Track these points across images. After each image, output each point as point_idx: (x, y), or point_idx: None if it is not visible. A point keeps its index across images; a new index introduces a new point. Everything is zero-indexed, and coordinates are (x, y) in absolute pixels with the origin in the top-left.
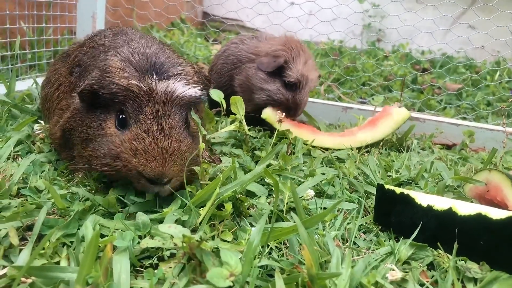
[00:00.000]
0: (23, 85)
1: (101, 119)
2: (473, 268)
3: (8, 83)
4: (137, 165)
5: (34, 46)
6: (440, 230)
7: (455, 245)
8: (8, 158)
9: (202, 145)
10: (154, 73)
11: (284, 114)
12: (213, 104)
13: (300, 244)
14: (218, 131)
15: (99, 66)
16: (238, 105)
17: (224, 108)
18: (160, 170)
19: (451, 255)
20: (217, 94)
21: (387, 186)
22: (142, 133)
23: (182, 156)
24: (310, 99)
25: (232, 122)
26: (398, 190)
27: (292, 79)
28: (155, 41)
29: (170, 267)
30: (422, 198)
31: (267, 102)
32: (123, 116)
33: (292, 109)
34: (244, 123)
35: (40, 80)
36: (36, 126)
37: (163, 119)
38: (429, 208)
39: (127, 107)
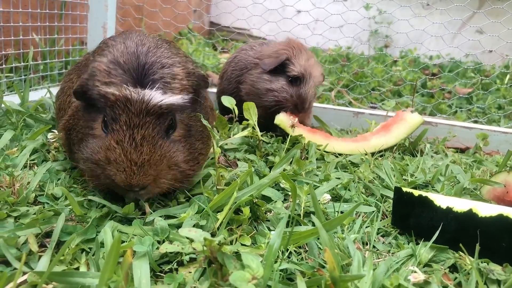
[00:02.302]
0: (36, 95)
1: (93, 119)
2: (496, 270)
3: (22, 94)
4: (110, 174)
5: (46, 57)
6: (461, 232)
7: (477, 247)
8: (25, 167)
9: (217, 150)
10: (143, 77)
11: (297, 119)
12: (224, 110)
13: (320, 248)
14: (230, 137)
15: (90, 67)
16: (251, 111)
17: (236, 114)
18: (128, 181)
19: (472, 257)
20: (228, 101)
21: (404, 189)
22: (114, 143)
23: (155, 166)
24: (321, 105)
25: (244, 128)
26: (416, 192)
27: (295, 73)
28: (153, 39)
29: (190, 272)
30: (441, 200)
31: (274, 103)
32: (106, 119)
33: (298, 104)
34: (257, 128)
35: (53, 90)
36: (49, 135)
37: (135, 129)
38: (449, 210)
39: (107, 113)
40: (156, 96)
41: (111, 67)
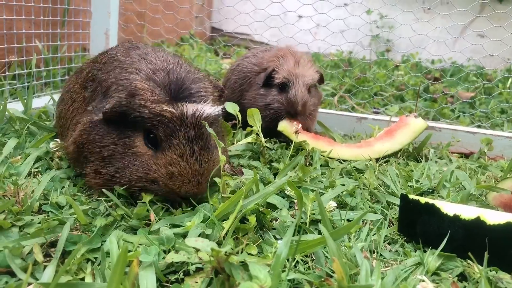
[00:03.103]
0: (39, 102)
1: (128, 136)
2: (505, 278)
3: (25, 101)
4: (173, 187)
5: (49, 64)
6: (469, 240)
7: (486, 255)
8: (29, 175)
9: (223, 157)
10: (178, 92)
11: (300, 125)
12: (227, 116)
13: (327, 257)
14: (234, 144)
15: (123, 86)
16: (255, 117)
17: (240, 121)
18: (195, 191)
19: (481, 265)
20: (232, 107)
21: (411, 196)
22: (177, 157)
23: (211, 172)
24: (324, 110)
25: (248, 135)
26: (422, 199)
27: (279, 80)
28: (169, 54)
29: (196, 282)
30: (448, 207)
31: (272, 114)
32: (153, 135)
33: (290, 110)
34: (261, 135)
35: (56, 97)
36: (51, 144)
37: (193, 142)
38: (456, 217)
39: (159, 131)
40: (207, 109)
41: (150, 84)
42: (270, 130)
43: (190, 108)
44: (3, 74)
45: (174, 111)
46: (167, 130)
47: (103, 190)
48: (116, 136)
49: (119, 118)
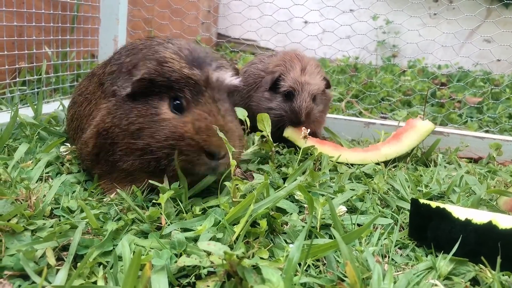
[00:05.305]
0: (48, 108)
1: (154, 106)
2: None
3: (35, 107)
4: (199, 140)
5: (58, 70)
6: (480, 244)
7: (498, 260)
8: (40, 179)
9: (233, 162)
10: (199, 65)
11: (308, 130)
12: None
13: (338, 261)
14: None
15: (152, 58)
16: (265, 122)
17: (248, 126)
18: (219, 144)
19: (493, 270)
20: (241, 112)
21: (421, 201)
22: (204, 113)
23: (234, 134)
24: (331, 115)
25: (257, 140)
26: (433, 204)
27: (285, 88)
28: (186, 41)
29: (208, 286)
30: (460, 212)
31: (275, 120)
32: (178, 101)
33: (293, 119)
34: (271, 140)
35: (66, 103)
36: (62, 148)
37: (218, 103)
38: (468, 222)
39: (185, 93)
40: (227, 76)
41: (177, 56)
42: (273, 135)
43: (214, 73)
44: (14, 80)
45: (200, 73)
46: (194, 91)
47: (118, 190)
48: (142, 108)
49: (145, 89)
